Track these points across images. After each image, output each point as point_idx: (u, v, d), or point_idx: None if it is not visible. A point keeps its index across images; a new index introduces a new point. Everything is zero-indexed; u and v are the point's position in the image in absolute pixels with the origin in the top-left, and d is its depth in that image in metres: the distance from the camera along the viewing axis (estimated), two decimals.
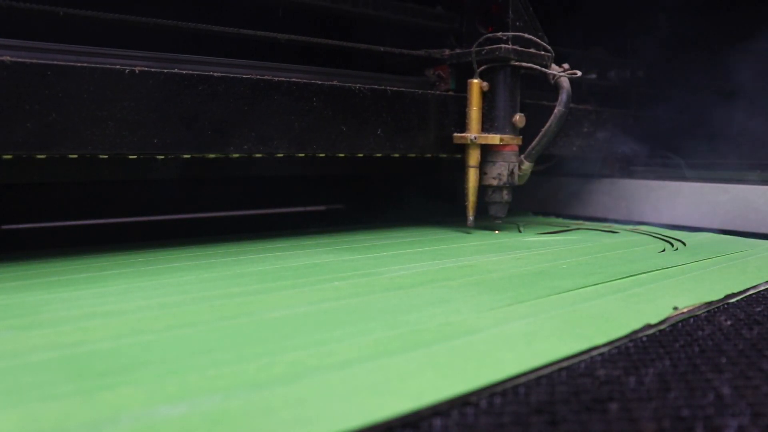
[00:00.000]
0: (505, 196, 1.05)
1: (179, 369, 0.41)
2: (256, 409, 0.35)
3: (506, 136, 1.01)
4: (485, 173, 1.04)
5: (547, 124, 1.00)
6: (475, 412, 0.36)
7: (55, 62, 0.68)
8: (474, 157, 1.02)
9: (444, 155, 1.05)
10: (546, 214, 1.39)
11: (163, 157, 0.85)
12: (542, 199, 1.41)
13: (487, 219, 1.10)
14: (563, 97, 1.00)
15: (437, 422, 0.34)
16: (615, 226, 1.18)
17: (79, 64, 0.70)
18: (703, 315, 0.57)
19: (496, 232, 1.08)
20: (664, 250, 0.91)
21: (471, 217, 1.04)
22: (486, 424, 0.34)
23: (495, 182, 1.03)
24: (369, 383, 0.39)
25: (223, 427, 0.33)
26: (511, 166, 1.03)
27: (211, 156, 0.82)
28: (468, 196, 1.03)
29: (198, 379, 0.39)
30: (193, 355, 0.44)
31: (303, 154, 0.89)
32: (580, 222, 1.25)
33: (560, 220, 1.31)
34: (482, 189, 1.06)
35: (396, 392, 0.37)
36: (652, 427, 0.34)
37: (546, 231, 1.11)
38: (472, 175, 1.03)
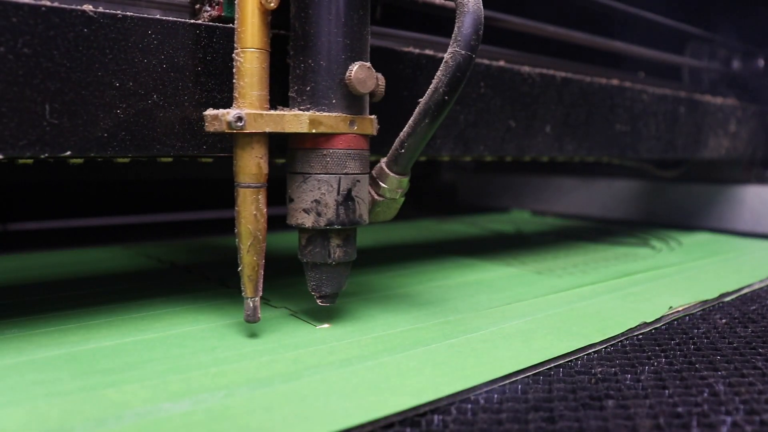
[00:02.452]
0: (335, 246, 0.50)
1: (182, 366, 0.41)
2: (258, 405, 0.35)
3: (332, 116, 0.48)
4: (290, 199, 0.50)
5: (431, 86, 0.48)
6: (474, 408, 0.36)
7: None
8: (249, 163, 0.46)
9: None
10: (543, 213, 1.39)
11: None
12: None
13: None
14: (465, 24, 0.47)
15: (436, 419, 0.35)
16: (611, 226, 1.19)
17: None
18: (698, 313, 0.57)
19: None
20: (661, 250, 0.91)
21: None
22: (484, 421, 0.35)
23: (308, 220, 0.49)
24: (369, 381, 0.39)
25: (226, 423, 0.33)
26: (348, 182, 0.49)
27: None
28: (241, 255, 0.47)
29: (201, 377, 0.39)
30: (195, 353, 0.44)
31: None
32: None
33: (560, 220, 1.31)
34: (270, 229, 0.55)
35: (396, 389, 0.38)
36: (648, 424, 0.35)
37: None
38: (248, 207, 0.47)
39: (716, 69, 1.12)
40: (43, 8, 0.39)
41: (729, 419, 0.35)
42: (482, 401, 0.37)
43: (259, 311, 0.48)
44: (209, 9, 0.50)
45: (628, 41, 0.92)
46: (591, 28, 0.87)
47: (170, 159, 0.51)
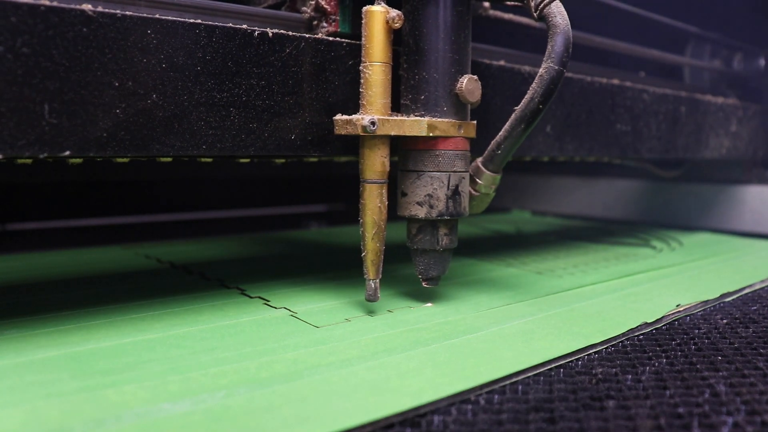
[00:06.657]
0: (443, 236, 0.57)
1: (182, 367, 0.41)
2: (258, 406, 0.35)
3: (444, 121, 0.54)
4: (403, 194, 0.57)
5: (527, 96, 0.54)
6: (474, 409, 0.36)
7: None
8: (375, 162, 0.53)
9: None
10: (544, 213, 1.39)
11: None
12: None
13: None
14: (558, 43, 0.52)
15: (436, 419, 0.35)
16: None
17: None
18: (699, 313, 0.57)
19: None
20: (662, 250, 0.91)
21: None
22: (485, 422, 0.35)
23: (420, 211, 0.55)
24: (369, 381, 0.39)
25: (225, 423, 0.33)
26: (456, 179, 0.56)
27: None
28: (365, 242, 0.54)
29: (200, 377, 0.39)
30: (195, 353, 0.44)
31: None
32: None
33: (560, 220, 1.31)
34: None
35: (396, 390, 0.38)
36: (649, 425, 0.35)
37: None
38: (373, 200, 0.53)
39: (717, 68, 1.12)
40: (42, 8, 0.39)
41: (730, 420, 0.35)
42: (482, 402, 0.37)
43: (379, 291, 0.55)
44: (326, 25, 0.56)
45: (629, 41, 0.92)
46: (591, 28, 0.87)
47: (169, 159, 0.52)
